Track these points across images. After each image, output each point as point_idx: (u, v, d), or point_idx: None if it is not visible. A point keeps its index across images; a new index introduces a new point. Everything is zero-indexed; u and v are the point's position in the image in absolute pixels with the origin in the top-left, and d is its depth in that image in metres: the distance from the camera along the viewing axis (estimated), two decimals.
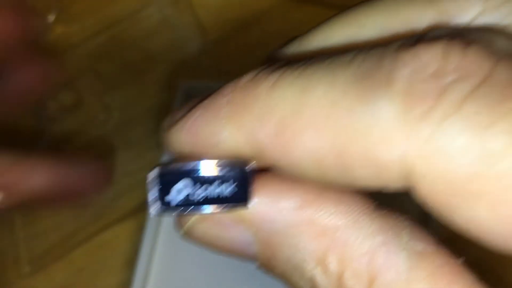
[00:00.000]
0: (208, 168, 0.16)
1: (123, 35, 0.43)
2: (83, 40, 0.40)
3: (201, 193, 0.16)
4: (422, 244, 0.16)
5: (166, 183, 0.16)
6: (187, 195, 0.16)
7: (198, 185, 0.16)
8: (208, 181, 0.16)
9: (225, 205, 0.16)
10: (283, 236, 0.16)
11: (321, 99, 0.14)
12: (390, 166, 0.14)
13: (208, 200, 0.16)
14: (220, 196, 0.16)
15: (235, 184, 0.16)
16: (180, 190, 0.16)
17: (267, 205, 0.16)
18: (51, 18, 0.39)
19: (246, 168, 0.16)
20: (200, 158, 0.17)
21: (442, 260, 0.16)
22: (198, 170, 0.16)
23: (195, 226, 0.18)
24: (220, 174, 0.16)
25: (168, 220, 0.33)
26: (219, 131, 0.16)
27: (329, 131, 0.14)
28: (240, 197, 0.16)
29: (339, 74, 0.14)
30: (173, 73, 0.39)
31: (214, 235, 0.17)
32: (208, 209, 0.16)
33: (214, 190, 0.16)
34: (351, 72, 0.14)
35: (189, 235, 0.18)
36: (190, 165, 0.16)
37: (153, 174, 0.16)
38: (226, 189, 0.16)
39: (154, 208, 0.16)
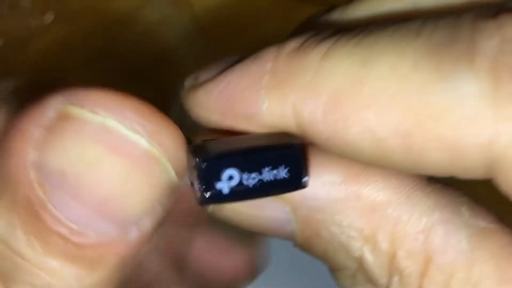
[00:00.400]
0: (259, 149, 0.14)
1: (122, 35, 0.42)
2: (81, 40, 0.40)
3: (255, 177, 0.14)
4: (484, 221, 0.14)
5: (215, 169, 0.14)
6: (240, 180, 0.14)
7: (250, 168, 0.14)
8: (262, 163, 0.14)
9: (281, 188, 0.14)
10: (326, 214, 0.15)
11: (387, 73, 0.12)
12: (471, 152, 0.12)
13: (263, 185, 0.14)
14: (277, 179, 0.14)
15: (290, 164, 0.14)
16: (232, 176, 0.14)
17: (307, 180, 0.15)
18: (49, 17, 0.39)
19: (300, 145, 0.14)
20: (235, 132, 0.15)
21: (507, 239, 0.14)
22: (250, 152, 0.14)
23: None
24: (274, 153, 0.14)
25: None
26: (258, 102, 0.14)
27: (396, 109, 0.12)
28: (297, 179, 0.14)
29: (407, 45, 0.12)
30: (173, 73, 0.39)
31: (246, 213, 0.16)
32: (264, 194, 0.14)
33: (269, 173, 0.14)
34: (422, 43, 0.12)
35: (218, 212, 0.16)
36: (239, 147, 0.14)
37: (198, 160, 0.14)
38: (282, 171, 0.14)
39: (203, 197, 0.14)
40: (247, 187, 0.14)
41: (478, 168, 0.12)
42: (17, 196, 0.14)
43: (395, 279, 0.14)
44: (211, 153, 0.14)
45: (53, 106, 0.14)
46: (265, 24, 0.39)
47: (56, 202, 0.14)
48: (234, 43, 0.39)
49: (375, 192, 0.15)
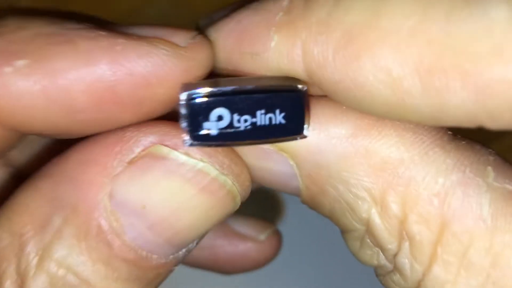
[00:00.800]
0: (253, 90, 0.13)
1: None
2: None
3: (248, 119, 0.13)
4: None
5: (204, 108, 0.13)
6: (231, 122, 0.13)
7: (242, 109, 0.13)
8: (255, 105, 0.13)
9: (277, 135, 0.13)
10: (332, 170, 0.14)
11: (409, 2, 0.11)
12: (499, 90, 0.10)
13: (256, 129, 0.13)
14: (272, 124, 0.13)
15: (287, 109, 0.13)
16: (222, 116, 0.13)
17: (313, 133, 0.14)
18: None
19: (300, 90, 0.13)
20: (239, 74, 0.14)
21: None
22: (242, 92, 0.13)
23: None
24: (270, 96, 0.13)
25: None
26: (267, 39, 0.13)
27: (415, 43, 0.11)
28: (295, 126, 0.13)
29: None
30: None
31: (251, 162, 0.15)
32: (257, 139, 0.13)
33: (263, 116, 0.13)
34: None
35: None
36: (233, 87, 0.13)
37: (185, 96, 0.13)
38: (278, 116, 0.13)
39: (189, 137, 0.13)
40: (238, 129, 0.13)
41: (507, 111, 0.11)
42: (88, 225, 0.14)
43: (405, 245, 0.13)
44: (201, 91, 0.13)
45: (141, 144, 0.14)
46: None
47: (131, 232, 0.14)
48: None
49: (387, 148, 0.13)
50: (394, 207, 0.13)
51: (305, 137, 0.13)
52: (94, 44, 0.14)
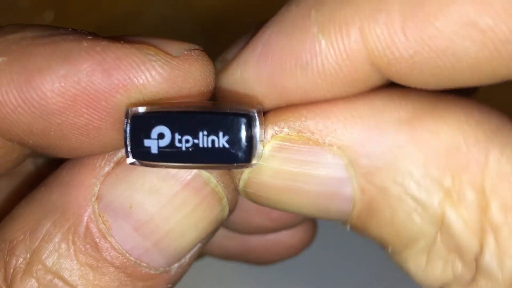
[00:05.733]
0: (197, 111, 0.13)
1: (122, 35, 0.42)
2: None
3: (190, 139, 0.13)
4: None
5: (145, 124, 0.13)
6: (172, 141, 0.13)
7: (184, 129, 0.13)
8: (197, 125, 0.12)
9: (220, 159, 0.13)
10: (393, 162, 0.12)
11: None
12: None
13: (198, 151, 0.13)
14: (215, 147, 0.13)
15: (231, 133, 0.12)
16: (163, 134, 0.13)
17: (365, 121, 0.12)
18: (49, 17, 0.39)
19: (247, 114, 0.12)
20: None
21: None
22: (185, 112, 0.13)
23: (262, 167, 0.13)
24: (212, 117, 0.12)
25: None
26: (312, 42, 0.12)
27: None
28: (240, 152, 0.12)
29: None
30: None
31: (293, 172, 0.13)
32: (199, 162, 0.13)
33: (206, 138, 0.13)
34: None
35: (252, 185, 0.14)
36: (179, 108, 0.13)
37: (129, 111, 0.13)
38: (222, 139, 0.13)
39: (131, 154, 0.13)
40: (179, 150, 0.13)
41: None
42: (77, 227, 0.14)
43: (490, 239, 0.11)
44: (145, 108, 0.13)
45: None
46: None
47: (118, 234, 0.14)
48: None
49: (454, 129, 0.11)
50: (471, 196, 0.11)
51: (250, 163, 0.13)
52: (75, 45, 0.13)
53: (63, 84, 0.13)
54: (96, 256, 0.14)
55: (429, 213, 0.12)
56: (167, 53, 0.13)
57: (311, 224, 0.24)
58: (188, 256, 0.15)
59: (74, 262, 0.14)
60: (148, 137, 0.13)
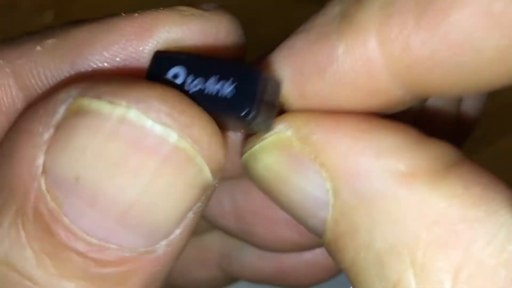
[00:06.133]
0: (215, 58, 0.13)
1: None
2: None
3: (198, 84, 0.13)
4: None
5: (164, 63, 0.13)
6: (184, 82, 0.13)
7: (198, 71, 0.13)
8: (210, 70, 0.13)
9: (219, 106, 0.13)
10: (375, 210, 0.11)
11: None
12: None
13: (202, 95, 0.13)
14: (218, 94, 0.13)
15: (239, 83, 0.12)
16: (178, 75, 0.13)
17: (363, 158, 0.12)
18: (49, 17, 0.39)
19: (260, 72, 0.13)
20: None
21: None
22: (203, 57, 0.13)
23: (260, 155, 0.13)
24: (228, 66, 0.13)
25: None
26: (331, 48, 0.12)
27: None
28: (239, 104, 0.12)
29: None
30: None
31: (281, 174, 0.13)
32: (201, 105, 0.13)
33: (214, 84, 0.13)
34: None
35: (251, 165, 0.13)
36: (189, 54, 0.13)
37: (153, 52, 0.14)
38: (228, 87, 0.13)
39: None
40: (186, 92, 0.13)
41: None
42: (25, 208, 0.12)
43: None
44: (168, 51, 0.14)
45: (64, 100, 0.12)
46: (265, 24, 0.39)
47: (71, 213, 0.11)
48: None
49: (450, 198, 0.11)
50: (442, 276, 0.10)
51: (246, 118, 0.12)
52: (113, 18, 0.14)
53: (111, 52, 0.13)
54: (51, 241, 0.12)
55: (385, 274, 0.11)
56: (199, 9, 0.14)
57: None
58: (178, 231, 0.12)
59: (28, 251, 0.11)
60: (165, 75, 0.13)
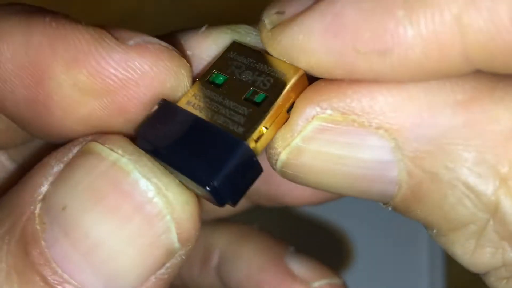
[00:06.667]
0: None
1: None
2: None
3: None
4: None
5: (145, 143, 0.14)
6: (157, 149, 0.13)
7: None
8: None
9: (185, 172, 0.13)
10: (446, 146, 0.11)
11: None
12: None
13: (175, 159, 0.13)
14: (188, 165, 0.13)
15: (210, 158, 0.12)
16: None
17: (417, 103, 0.11)
18: None
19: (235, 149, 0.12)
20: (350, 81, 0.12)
21: None
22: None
23: (305, 145, 0.12)
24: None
25: None
26: (396, 28, 0.10)
27: None
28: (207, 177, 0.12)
29: None
30: None
31: (335, 155, 0.12)
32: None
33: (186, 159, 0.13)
34: None
35: (293, 161, 0.12)
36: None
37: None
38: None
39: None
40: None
41: None
42: (15, 226, 0.13)
43: None
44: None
45: (79, 144, 0.13)
46: None
47: (49, 239, 0.12)
48: None
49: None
50: None
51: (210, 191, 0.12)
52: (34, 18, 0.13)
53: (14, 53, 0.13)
54: (24, 259, 0.12)
55: (482, 201, 0.11)
56: (120, 42, 0.13)
57: None
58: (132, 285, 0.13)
59: (2, 264, 0.12)
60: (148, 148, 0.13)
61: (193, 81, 0.14)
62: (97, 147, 0.13)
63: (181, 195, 0.13)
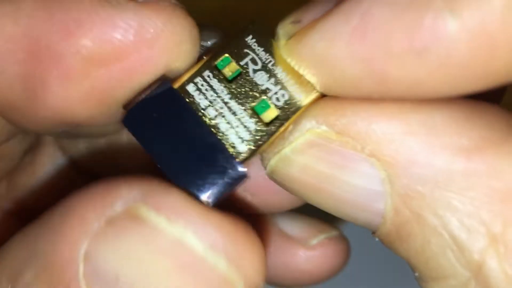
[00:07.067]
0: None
1: None
2: None
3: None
4: None
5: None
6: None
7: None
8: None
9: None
10: (439, 191, 0.10)
11: None
12: None
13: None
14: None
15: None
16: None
17: (416, 140, 0.10)
18: None
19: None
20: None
21: None
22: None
23: (294, 156, 0.12)
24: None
25: None
26: (440, 21, 0.09)
27: None
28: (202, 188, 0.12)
29: None
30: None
31: (323, 174, 0.11)
32: None
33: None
34: None
35: (281, 170, 0.12)
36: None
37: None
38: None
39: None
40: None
41: None
42: (57, 285, 0.11)
43: None
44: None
45: (123, 199, 0.12)
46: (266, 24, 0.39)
47: None
48: None
49: None
50: None
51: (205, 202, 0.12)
52: None
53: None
54: None
55: (465, 257, 0.10)
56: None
57: (337, 246, 0.19)
58: None
59: None
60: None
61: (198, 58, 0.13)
62: (151, 216, 0.12)
63: (253, 261, 0.12)
